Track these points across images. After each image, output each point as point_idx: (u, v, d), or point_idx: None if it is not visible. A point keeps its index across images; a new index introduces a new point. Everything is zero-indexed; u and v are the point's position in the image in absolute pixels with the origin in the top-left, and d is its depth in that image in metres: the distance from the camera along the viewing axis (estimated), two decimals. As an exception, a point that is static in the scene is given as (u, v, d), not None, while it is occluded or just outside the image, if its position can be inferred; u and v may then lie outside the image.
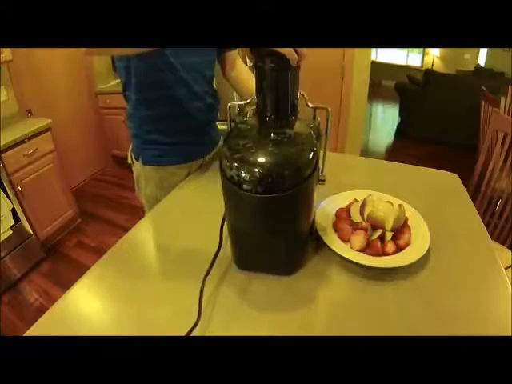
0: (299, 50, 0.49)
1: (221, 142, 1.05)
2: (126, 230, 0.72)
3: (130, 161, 0.98)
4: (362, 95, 2.54)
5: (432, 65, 5.32)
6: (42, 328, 0.51)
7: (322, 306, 0.54)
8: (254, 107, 0.57)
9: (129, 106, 0.90)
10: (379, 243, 0.61)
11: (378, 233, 0.62)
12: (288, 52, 0.47)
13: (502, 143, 1.32)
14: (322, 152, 0.61)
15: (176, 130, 0.89)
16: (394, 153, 3.54)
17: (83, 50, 0.55)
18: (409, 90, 3.72)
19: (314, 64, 2.20)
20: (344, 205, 0.71)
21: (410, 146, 3.57)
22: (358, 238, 0.61)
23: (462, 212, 0.75)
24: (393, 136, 3.98)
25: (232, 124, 0.59)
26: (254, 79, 0.54)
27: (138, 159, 0.93)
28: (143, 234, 0.74)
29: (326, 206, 0.72)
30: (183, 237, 0.71)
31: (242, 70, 0.99)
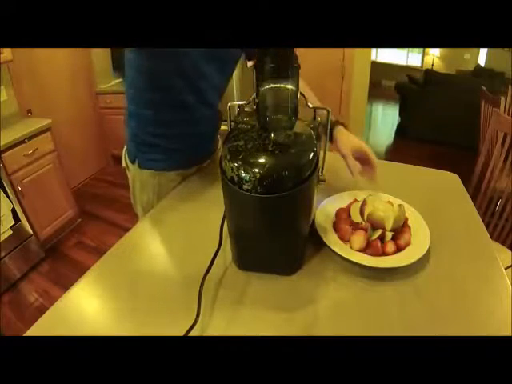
0: None
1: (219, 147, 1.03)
2: (126, 230, 0.72)
3: (124, 164, 0.92)
4: (362, 95, 2.54)
5: (432, 65, 5.32)
6: (42, 328, 0.51)
7: (322, 306, 0.54)
8: (254, 107, 0.57)
9: (131, 105, 0.84)
10: (379, 243, 0.61)
11: (378, 233, 0.62)
12: None
13: (502, 143, 1.32)
14: (322, 152, 0.61)
15: (179, 135, 0.85)
16: (394, 153, 3.54)
17: None
18: (409, 90, 3.72)
19: (314, 64, 2.21)
20: (344, 205, 0.71)
21: (410, 145, 3.57)
22: (358, 238, 0.61)
23: (462, 212, 0.75)
24: (393, 136, 3.98)
25: (232, 124, 0.59)
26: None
27: (133, 162, 0.87)
28: (143, 234, 0.74)
29: (326, 205, 0.72)
30: (183, 237, 0.71)
31: None
